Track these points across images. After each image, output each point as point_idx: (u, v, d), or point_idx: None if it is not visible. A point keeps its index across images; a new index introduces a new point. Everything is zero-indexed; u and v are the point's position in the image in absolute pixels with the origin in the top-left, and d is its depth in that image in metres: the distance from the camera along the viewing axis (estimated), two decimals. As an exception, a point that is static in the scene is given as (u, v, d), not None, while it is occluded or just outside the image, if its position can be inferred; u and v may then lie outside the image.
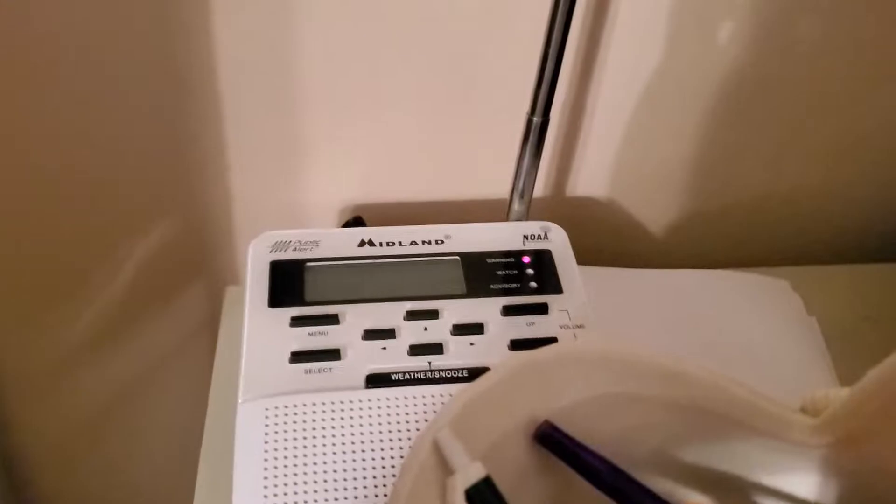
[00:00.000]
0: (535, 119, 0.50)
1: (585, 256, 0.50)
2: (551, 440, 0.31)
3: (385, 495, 0.38)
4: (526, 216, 0.55)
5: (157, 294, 0.61)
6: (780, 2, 0.53)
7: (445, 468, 0.28)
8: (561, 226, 0.50)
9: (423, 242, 0.50)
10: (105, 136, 0.54)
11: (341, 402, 0.42)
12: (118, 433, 0.69)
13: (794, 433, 0.32)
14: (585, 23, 0.52)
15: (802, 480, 0.34)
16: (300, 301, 0.46)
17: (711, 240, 0.65)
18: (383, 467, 0.39)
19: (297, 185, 0.58)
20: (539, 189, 0.61)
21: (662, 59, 0.55)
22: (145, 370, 0.65)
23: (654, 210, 0.63)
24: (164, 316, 0.62)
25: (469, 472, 0.28)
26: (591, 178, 0.61)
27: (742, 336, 0.54)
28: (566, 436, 0.31)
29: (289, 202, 0.59)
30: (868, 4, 0.54)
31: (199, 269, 0.61)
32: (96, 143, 0.54)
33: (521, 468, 0.31)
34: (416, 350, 0.44)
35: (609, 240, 0.63)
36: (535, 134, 0.50)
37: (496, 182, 0.59)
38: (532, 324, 0.46)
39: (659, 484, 0.34)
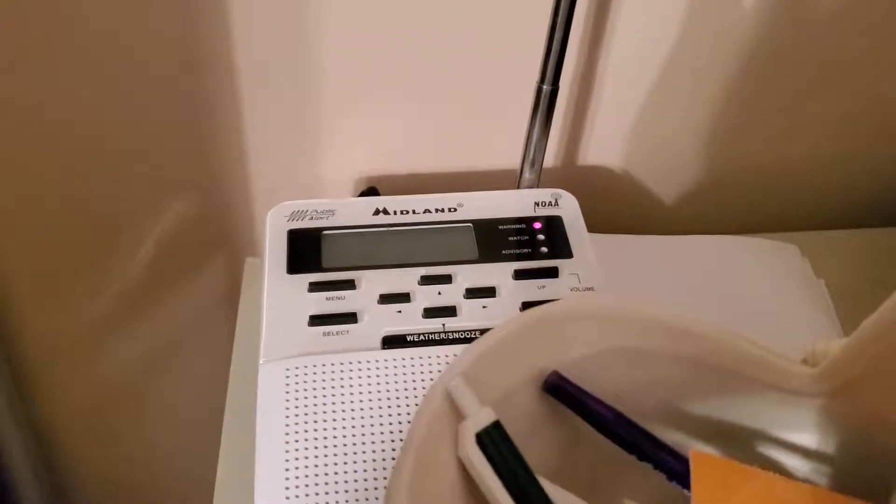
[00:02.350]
0: (544, 87, 0.50)
1: (596, 224, 0.51)
2: (559, 390, 0.32)
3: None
4: (537, 184, 0.56)
5: (178, 267, 0.63)
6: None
7: (458, 415, 0.30)
8: (572, 194, 0.52)
9: (437, 210, 0.51)
10: (127, 115, 0.56)
11: (359, 362, 0.43)
12: (142, 403, 0.71)
13: (794, 383, 0.33)
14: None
15: (804, 431, 0.35)
16: (317, 267, 0.47)
17: (721, 207, 0.65)
18: (399, 423, 0.41)
19: (312, 158, 0.59)
20: (550, 159, 0.62)
21: (672, 29, 0.56)
22: (168, 342, 0.67)
23: (665, 178, 0.64)
24: (185, 288, 0.64)
25: (480, 417, 0.29)
26: (601, 148, 0.61)
27: (751, 299, 0.55)
28: (574, 385, 0.32)
29: (305, 176, 0.60)
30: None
31: (218, 242, 0.63)
32: (119, 123, 0.56)
33: (531, 418, 0.33)
34: (430, 313, 0.46)
35: (620, 208, 0.64)
36: (544, 102, 0.51)
37: (507, 153, 0.60)
38: (543, 287, 0.47)
39: (664, 435, 0.35)
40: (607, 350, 0.34)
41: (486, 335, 0.32)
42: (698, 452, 0.32)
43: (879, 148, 0.64)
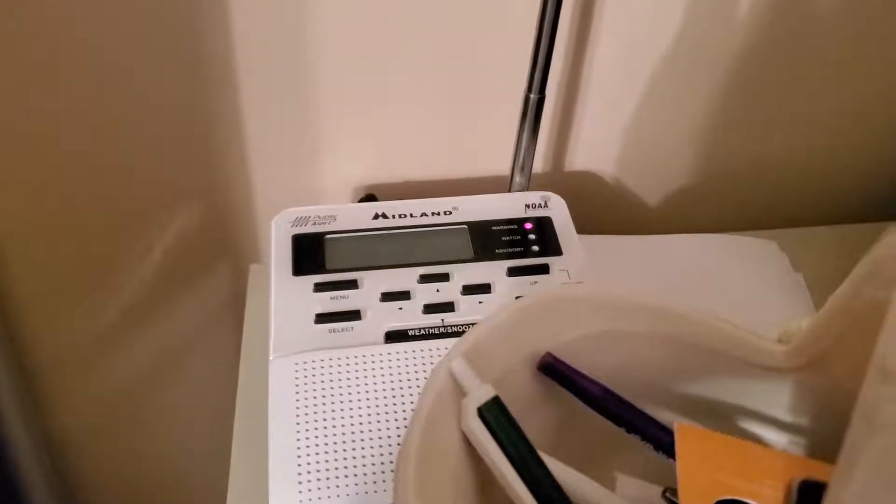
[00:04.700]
0: (531, 96, 0.53)
1: (583, 226, 0.54)
2: (553, 369, 0.35)
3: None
4: (527, 188, 0.58)
5: (184, 274, 0.65)
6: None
7: (460, 392, 0.32)
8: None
9: (433, 213, 0.54)
10: (133, 128, 0.58)
11: (363, 356, 0.46)
12: (150, 409, 0.73)
13: (769, 359, 0.36)
14: (575, 8, 0.56)
15: (779, 405, 0.37)
16: (322, 269, 0.50)
17: (703, 208, 0.68)
18: (404, 410, 0.43)
19: (312, 168, 0.62)
20: (539, 165, 0.65)
21: (652, 39, 0.59)
22: (175, 347, 0.70)
23: (648, 181, 0.67)
24: (191, 295, 0.66)
25: (480, 393, 0.32)
26: (587, 153, 0.64)
27: (732, 291, 0.58)
28: (566, 365, 0.35)
29: (305, 184, 0.63)
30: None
31: (222, 250, 0.65)
32: (122, 134, 0.58)
33: (528, 396, 0.35)
34: (429, 309, 0.48)
35: (605, 210, 0.67)
36: (532, 110, 0.54)
37: (498, 160, 0.63)
38: (535, 283, 0.50)
39: (652, 412, 0.37)
40: (597, 333, 0.37)
41: (484, 320, 0.35)
42: (682, 425, 0.35)
43: (852, 148, 0.68)
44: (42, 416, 0.73)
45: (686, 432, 0.34)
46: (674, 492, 0.33)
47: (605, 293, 0.37)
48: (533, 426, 0.34)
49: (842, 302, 0.32)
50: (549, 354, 0.35)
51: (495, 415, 0.32)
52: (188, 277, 0.66)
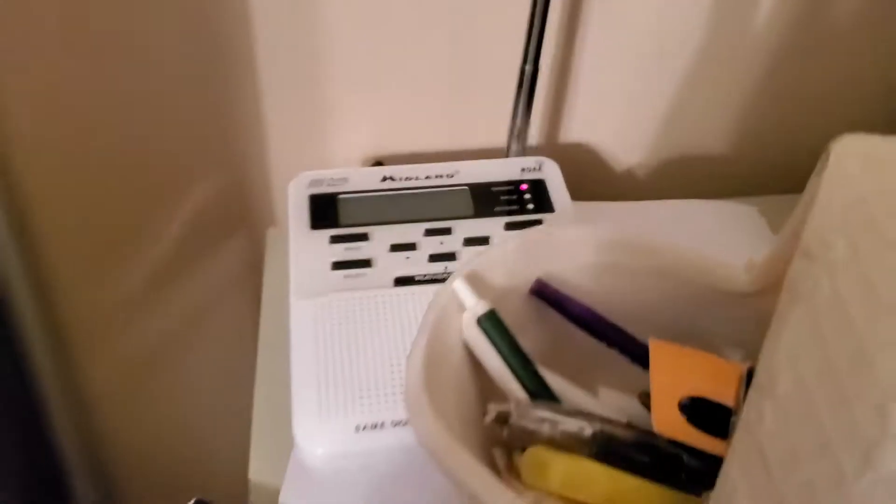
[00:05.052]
0: (527, 67, 0.58)
1: (575, 194, 0.59)
2: (543, 293, 0.40)
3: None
4: (523, 155, 0.63)
5: (205, 240, 0.71)
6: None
7: (461, 308, 0.38)
8: (554, 166, 0.60)
9: (437, 176, 0.59)
10: (157, 105, 0.63)
11: (375, 298, 0.51)
12: (173, 367, 0.79)
13: (735, 285, 0.41)
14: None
15: (744, 327, 0.42)
16: (336, 225, 0.55)
17: (686, 176, 0.73)
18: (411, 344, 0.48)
19: (323, 140, 0.67)
20: (534, 138, 0.70)
21: (639, 20, 0.64)
22: (198, 308, 0.75)
23: (636, 152, 0.72)
24: (212, 258, 0.71)
25: (478, 307, 0.37)
26: (578, 126, 0.70)
27: (714, 250, 0.63)
28: (554, 289, 0.40)
29: (317, 155, 0.68)
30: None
31: (240, 217, 0.70)
32: (149, 112, 0.64)
33: (521, 318, 0.40)
34: (434, 258, 0.53)
35: (596, 179, 0.72)
36: (527, 81, 0.59)
37: (496, 134, 0.68)
38: (530, 235, 0.55)
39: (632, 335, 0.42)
40: (582, 265, 0.42)
41: (483, 251, 0.40)
42: (655, 340, 0.40)
43: (820, 123, 0.73)
44: (73, 378, 0.78)
45: (658, 346, 0.39)
46: (647, 395, 0.38)
47: (589, 231, 0.42)
48: (526, 345, 0.39)
49: (794, 227, 0.37)
50: (539, 280, 0.40)
51: (492, 324, 0.37)
52: (209, 243, 0.71)
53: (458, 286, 0.37)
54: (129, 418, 0.82)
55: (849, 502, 0.24)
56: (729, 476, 0.26)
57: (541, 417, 0.34)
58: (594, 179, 0.72)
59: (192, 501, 0.46)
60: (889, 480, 0.24)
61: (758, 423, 0.26)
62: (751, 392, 0.26)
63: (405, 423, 0.46)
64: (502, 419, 0.34)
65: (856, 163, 0.26)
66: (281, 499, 0.46)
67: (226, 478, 0.69)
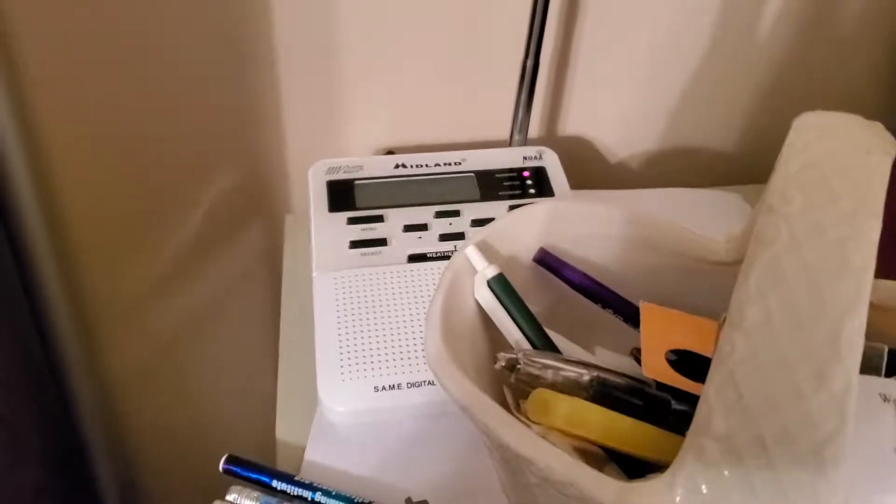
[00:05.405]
0: (528, 62, 0.63)
1: (572, 183, 0.64)
2: (545, 261, 0.45)
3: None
4: (524, 145, 0.68)
5: (226, 227, 0.75)
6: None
7: (472, 271, 0.42)
8: (553, 156, 0.65)
9: (445, 164, 0.64)
10: (180, 98, 0.68)
11: (390, 272, 0.55)
12: (195, 350, 0.83)
13: (716, 255, 0.46)
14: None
15: (725, 295, 0.47)
16: (353, 207, 0.60)
17: (675, 167, 0.78)
18: (424, 316, 0.53)
19: (337, 132, 0.72)
20: (534, 131, 0.75)
21: (631, 21, 0.69)
22: (219, 293, 0.79)
23: (632, 144, 0.77)
24: (233, 244, 0.76)
25: (488, 270, 0.42)
26: (576, 120, 0.74)
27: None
28: (555, 257, 0.45)
29: (331, 146, 0.73)
30: None
31: (259, 205, 0.75)
32: (173, 104, 0.68)
33: (525, 283, 0.45)
34: (444, 238, 0.58)
35: (592, 169, 0.77)
36: (529, 75, 0.64)
37: (499, 128, 0.72)
38: (532, 217, 0.60)
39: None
40: (580, 235, 0.46)
41: (492, 223, 0.44)
42: (646, 303, 0.44)
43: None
44: (97, 361, 0.82)
45: (648, 308, 0.44)
46: (639, 350, 0.43)
47: (585, 205, 0.46)
48: (530, 308, 0.44)
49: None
50: (542, 249, 0.45)
51: (501, 286, 0.41)
52: (229, 229, 0.76)
53: (471, 252, 0.42)
54: (152, 400, 0.86)
55: (806, 414, 0.29)
56: (706, 400, 0.30)
57: (544, 364, 0.39)
58: (591, 170, 0.77)
59: (225, 457, 0.50)
60: (838, 395, 0.29)
61: (730, 354, 0.30)
62: (724, 328, 0.31)
63: (419, 385, 0.50)
64: (511, 366, 0.39)
65: (812, 132, 0.31)
66: (306, 455, 0.51)
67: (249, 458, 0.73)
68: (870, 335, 0.32)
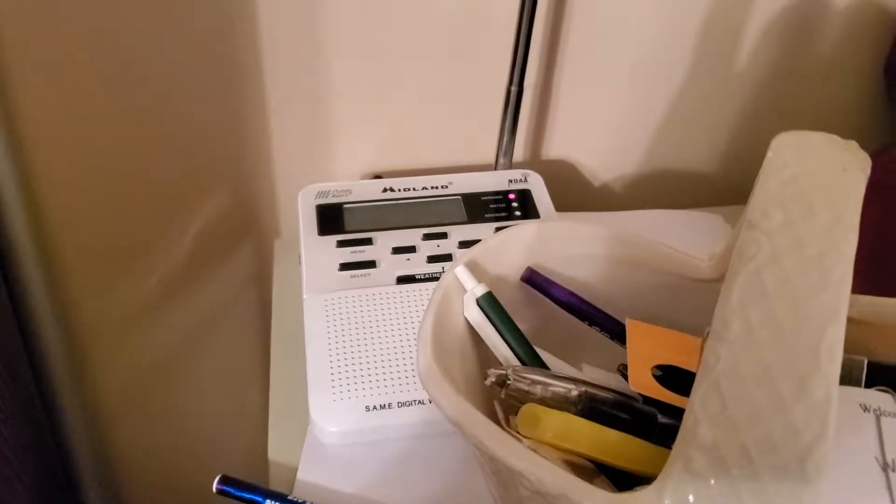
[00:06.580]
0: (512, 88, 0.65)
1: (557, 206, 0.65)
2: (532, 280, 0.46)
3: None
4: (510, 168, 0.69)
5: (215, 250, 0.76)
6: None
7: (462, 290, 0.43)
8: (536, 175, 0.66)
9: (432, 187, 0.65)
10: (171, 124, 0.69)
11: (380, 294, 0.56)
12: (184, 373, 0.83)
13: (698, 272, 0.47)
14: (548, 18, 0.68)
15: (708, 312, 0.48)
16: (342, 231, 0.61)
17: (657, 189, 0.80)
18: (414, 336, 0.54)
19: (325, 157, 0.73)
20: (519, 155, 0.76)
21: (612, 47, 0.70)
22: (207, 316, 0.80)
23: (614, 168, 0.78)
24: (221, 268, 0.77)
25: (478, 289, 0.43)
26: (559, 143, 0.76)
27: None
28: (542, 276, 0.46)
29: (319, 171, 0.74)
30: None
31: (248, 228, 0.76)
32: (163, 130, 0.69)
33: (513, 302, 0.46)
34: (432, 259, 0.59)
35: (577, 192, 0.78)
36: (513, 100, 0.65)
37: (484, 153, 0.74)
38: (518, 238, 0.61)
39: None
40: (566, 255, 0.47)
41: (480, 243, 0.45)
42: (632, 319, 0.45)
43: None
44: (84, 382, 0.82)
45: (634, 324, 0.45)
46: (626, 366, 0.44)
47: (571, 225, 0.48)
48: (518, 325, 0.45)
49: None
50: (529, 268, 0.46)
51: (489, 304, 0.42)
52: (218, 253, 0.76)
53: (460, 271, 0.43)
54: (142, 423, 0.86)
55: (789, 423, 0.30)
56: (692, 411, 0.31)
57: (533, 380, 0.39)
58: (575, 192, 0.79)
59: (218, 477, 0.50)
60: (820, 403, 0.30)
61: (714, 364, 0.31)
62: (708, 340, 0.32)
63: (410, 404, 0.51)
64: (501, 381, 0.39)
65: (790, 152, 0.32)
66: (299, 475, 0.51)
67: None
68: (850, 349, 0.33)
